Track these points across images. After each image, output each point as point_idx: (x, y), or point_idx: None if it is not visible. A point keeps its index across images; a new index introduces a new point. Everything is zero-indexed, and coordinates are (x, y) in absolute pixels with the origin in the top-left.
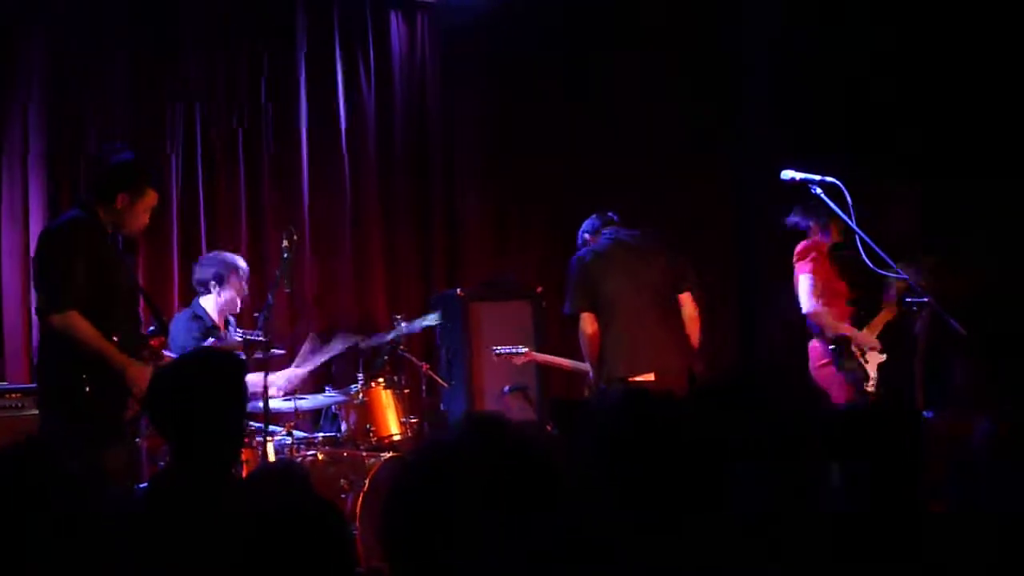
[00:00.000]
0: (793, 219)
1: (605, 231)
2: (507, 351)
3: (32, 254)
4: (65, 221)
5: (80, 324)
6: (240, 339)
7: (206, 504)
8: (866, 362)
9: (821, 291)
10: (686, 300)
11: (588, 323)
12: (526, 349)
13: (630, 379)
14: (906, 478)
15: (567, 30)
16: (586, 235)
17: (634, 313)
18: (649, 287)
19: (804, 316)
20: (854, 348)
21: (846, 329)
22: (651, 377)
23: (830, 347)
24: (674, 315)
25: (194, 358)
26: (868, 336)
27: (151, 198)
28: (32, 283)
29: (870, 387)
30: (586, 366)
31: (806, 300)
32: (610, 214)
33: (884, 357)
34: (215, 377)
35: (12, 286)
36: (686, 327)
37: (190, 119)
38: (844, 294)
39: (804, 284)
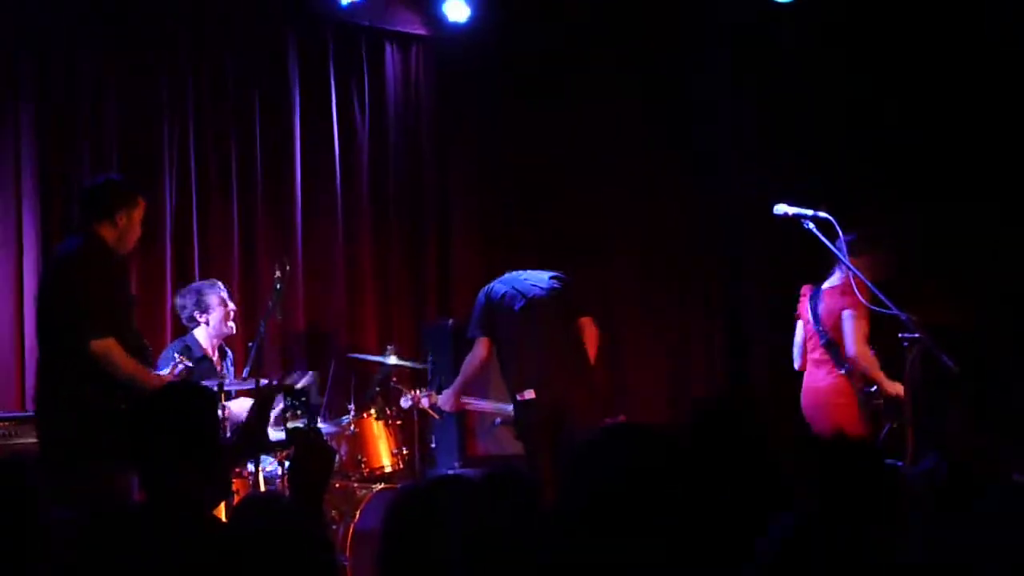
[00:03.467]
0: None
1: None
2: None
3: (40, 281)
4: (82, 247)
5: (119, 348)
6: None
7: (179, 540)
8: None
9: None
10: (587, 323)
11: (483, 347)
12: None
13: (517, 395)
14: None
15: (562, 62)
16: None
17: (522, 339)
18: (539, 316)
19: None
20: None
21: (883, 380)
22: (531, 395)
23: (867, 390)
24: (567, 337)
25: (167, 388)
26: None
27: (143, 208)
28: (42, 312)
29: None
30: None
31: (852, 342)
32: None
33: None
34: (182, 409)
35: (4, 312)
36: (587, 346)
37: (184, 148)
38: None
39: (849, 324)
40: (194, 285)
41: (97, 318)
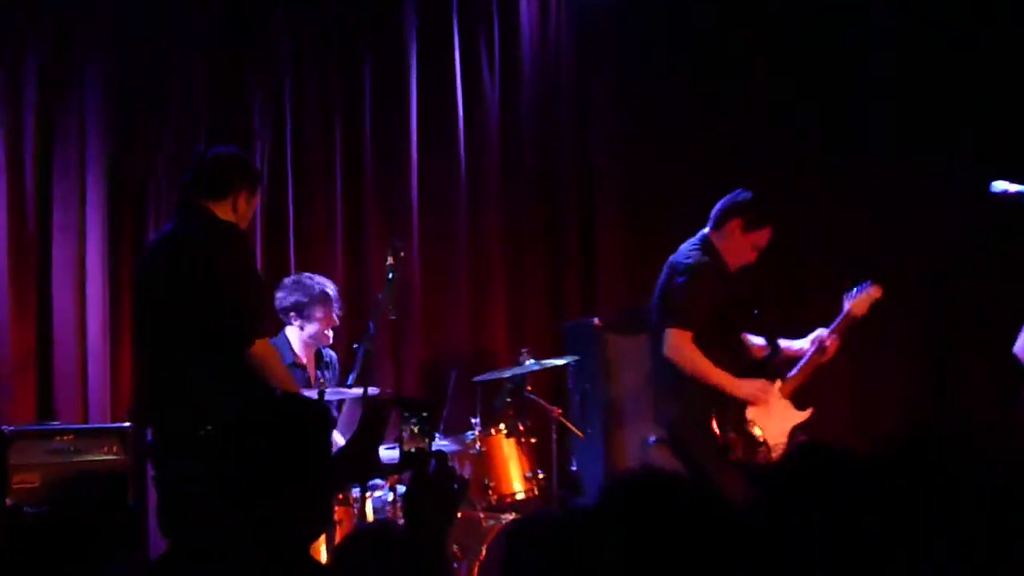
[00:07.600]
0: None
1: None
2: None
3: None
4: (231, 231)
5: (273, 350)
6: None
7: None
8: None
9: None
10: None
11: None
12: None
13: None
14: None
15: (722, 15)
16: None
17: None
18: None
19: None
20: None
21: None
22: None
23: None
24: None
25: (273, 403)
26: None
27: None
28: (177, 308)
29: None
30: None
31: None
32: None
33: None
34: (290, 429)
35: (65, 303)
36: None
37: (279, 122)
38: None
39: None
40: (303, 282)
41: (261, 316)
